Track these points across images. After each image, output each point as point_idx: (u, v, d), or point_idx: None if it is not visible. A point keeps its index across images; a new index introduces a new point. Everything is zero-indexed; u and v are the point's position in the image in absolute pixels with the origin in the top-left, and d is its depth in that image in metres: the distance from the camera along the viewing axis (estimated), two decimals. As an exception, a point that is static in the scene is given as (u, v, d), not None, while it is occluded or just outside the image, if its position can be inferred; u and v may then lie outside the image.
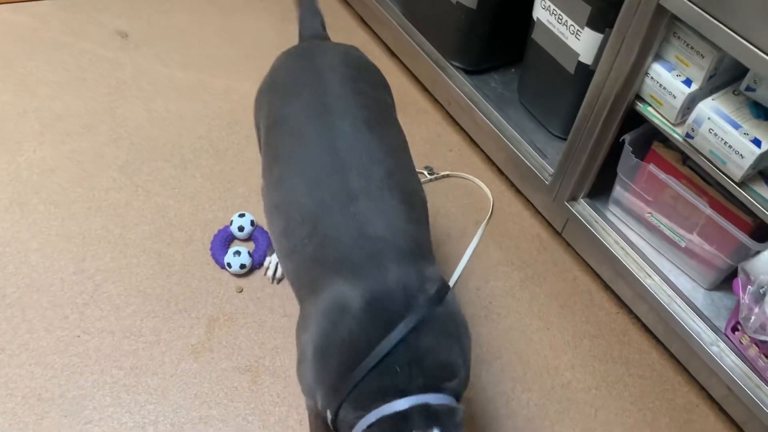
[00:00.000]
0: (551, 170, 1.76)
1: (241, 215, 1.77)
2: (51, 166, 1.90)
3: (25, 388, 1.48)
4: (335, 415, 0.97)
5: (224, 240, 1.76)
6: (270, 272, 1.71)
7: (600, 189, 1.72)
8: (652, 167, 1.53)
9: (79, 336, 1.57)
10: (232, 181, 1.92)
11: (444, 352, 0.95)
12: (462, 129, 2.12)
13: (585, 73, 1.64)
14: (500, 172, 2.03)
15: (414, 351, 0.92)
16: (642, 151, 1.57)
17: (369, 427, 0.91)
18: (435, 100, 2.20)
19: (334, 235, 1.01)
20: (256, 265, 1.73)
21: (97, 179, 1.89)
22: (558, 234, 1.87)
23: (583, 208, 1.71)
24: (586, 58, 1.64)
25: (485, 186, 1.99)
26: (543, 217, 1.91)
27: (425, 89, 2.22)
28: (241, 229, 1.75)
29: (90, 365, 1.53)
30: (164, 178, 1.91)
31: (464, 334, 1.02)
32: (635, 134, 1.56)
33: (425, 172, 2.00)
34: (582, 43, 1.62)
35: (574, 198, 1.72)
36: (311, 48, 1.30)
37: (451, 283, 1.74)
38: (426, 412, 0.90)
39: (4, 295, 1.62)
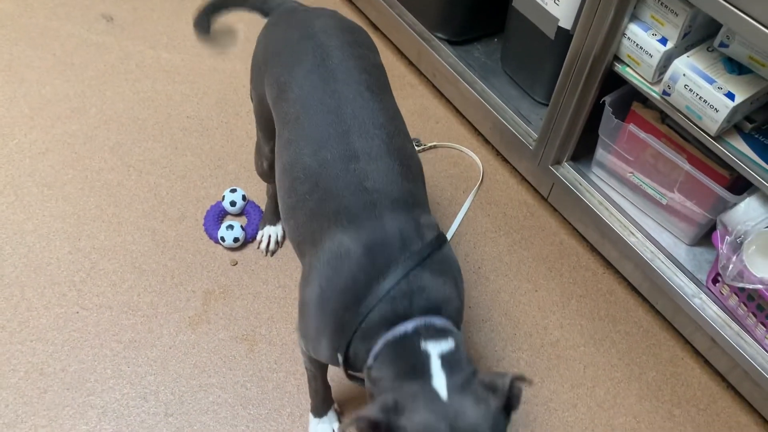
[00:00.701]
0: (535, 136, 1.79)
1: (233, 190, 1.80)
2: (42, 149, 1.92)
3: (27, 364, 1.51)
4: (346, 355, 1.01)
5: (217, 215, 1.79)
6: (263, 245, 1.74)
7: (583, 152, 1.75)
8: (632, 127, 1.57)
9: (77, 312, 1.61)
10: (223, 158, 1.95)
11: (441, 286, 1.00)
12: (448, 101, 2.15)
13: (565, 38, 1.67)
14: (486, 141, 2.06)
15: (414, 284, 0.97)
16: (622, 112, 1.60)
17: (379, 353, 0.95)
18: (420, 74, 2.23)
19: (334, 190, 1.06)
20: (249, 238, 1.76)
21: (89, 161, 1.91)
22: (544, 200, 1.91)
23: (567, 172, 1.75)
24: (566, 23, 1.67)
25: (474, 154, 2.02)
26: (529, 183, 1.95)
27: (411, 63, 2.25)
28: (233, 204, 1.78)
29: (90, 340, 1.56)
30: (155, 157, 1.94)
31: (458, 276, 1.06)
32: (615, 96, 1.59)
33: (413, 144, 2.02)
34: (561, 8, 1.65)
35: (558, 162, 1.75)
36: (298, 15, 1.31)
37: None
38: (432, 328, 0.95)
39: (2, 276, 1.65)
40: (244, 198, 1.80)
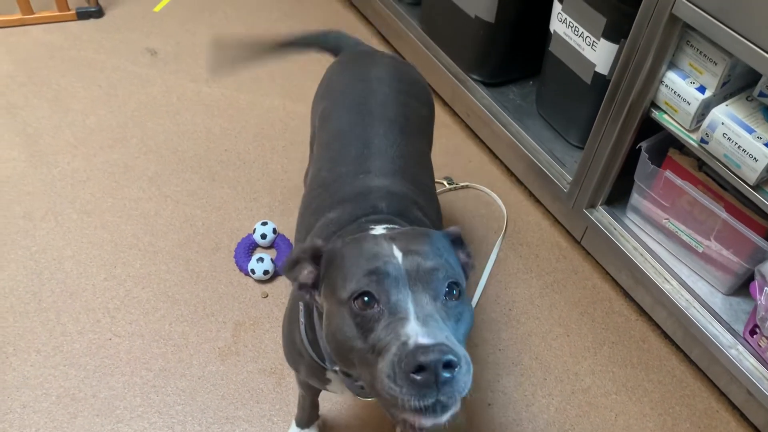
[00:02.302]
0: (569, 178, 1.79)
1: (264, 223, 1.82)
2: (84, 177, 1.97)
3: (60, 388, 1.53)
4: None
5: (248, 247, 1.81)
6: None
7: (618, 196, 1.74)
8: (668, 173, 1.56)
9: (110, 339, 1.63)
10: (258, 191, 1.98)
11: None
12: (481, 140, 2.17)
13: (601, 83, 1.68)
14: (519, 181, 2.07)
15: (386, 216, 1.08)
16: (658, 158, 1.60)
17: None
18: (454, 113, 2.25)
19: (338, 190, 1.15)
20: (279, 271, 1.78)
21: (128, 190, 1.96)
22: (577, 242, 1.90)
23: (601, 216, 1.74)
24: (603, 68, 1.68)
25: (499, 199, 2.02)
26: (562, 225, 1.94)
27: (444, 102, 2.27)
28: (263, 236, 1.81)
29: (121, 367, 1.58)
30: (192, 188, 1.97)
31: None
32: (651, 141, 1.59)
33: (445, 182, 2.04)
34: (598, 53, 1.66)
35: (592, 205, 1.75)
36: (364, 58, 1.46)
37: (477, 293, 1.78)
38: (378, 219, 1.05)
39: (40, 300, 1.68)
40: (274, 231, 1.83)
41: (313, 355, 1.05)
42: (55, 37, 2.42)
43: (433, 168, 1.37)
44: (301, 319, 1.06)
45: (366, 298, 0.78)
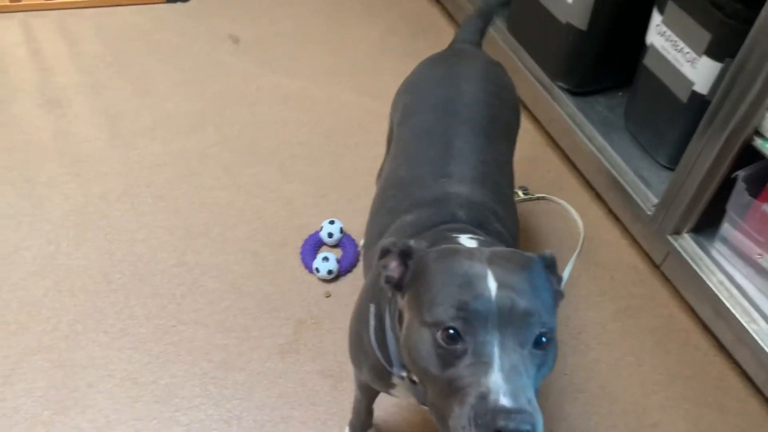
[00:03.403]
0: (655, 200, 1.69)
1: (331, 222, 1.80)
2: (160, 162, 2.01)
3: (123, 371, 1.56)
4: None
5: (314, 245, 1.79)
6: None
7: (706, 224, 1.64)
8: (766, 207, 1.45)
9: (174, 326, 1.65)
10: (327, 188, 1.97)
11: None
12: (562, 151, 2.08)
13: (699, 102, 1.57)
14: (599, 197, 1.97)
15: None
16: (756, 188, 1.48)
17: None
18: (536, 120, 2.17)
19: (416, 192, 1.11)
20: (343, 272, 1.76)
21: (202, 177, 1.97)
22: (656, 267, 1.80)
23: (686, 243, 1.64)
24: (702, 87, 1.57)
25: (576, 214, 1.93)
26: (641, 248, 1.84)
27: (526, 108, 2.19)
28: (330, 235, 1.79)
29: (183, 355, 1.60)
30: (264, 181, 1.98)
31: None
32: (750, 170, 1.47)
33: (520, 192, 1.97)
34: (698, 71, 1.56)
35: (677, 232, 1.65)
36: (456, 56, 1.40)
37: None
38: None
39: (110, 281, 1.72)
40: (341, 230, 1.80)
41: (380, 358, 1.01)
42: (142, 19, 2.47)
43: (513, 178, 1.32)
44: (371, 321, 1.02)
45: (451, 332, 0.74)
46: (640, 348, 1.68)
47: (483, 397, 0.69)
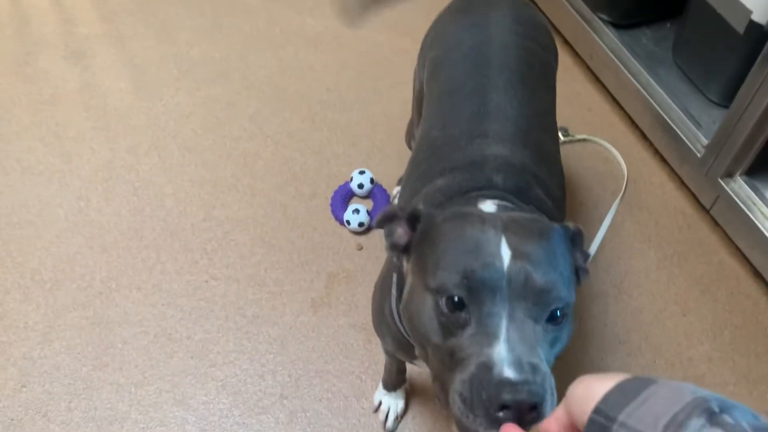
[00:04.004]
0: (705, 141, 1.58)
1: (362, 172, 1.74)
2: (186, 113, 1.96)
3: (157, 327, 1.57)
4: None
5: (344, 196, 1.75)
6: (396, 201, 1.71)
7: (761, 167, 1.52)
8: (830, 147, 1.33)
9: (206, 281, 1.64)
10: (357, 135, 1.90)
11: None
12: (604, 87, 1.96)
13: (757, 34, 1.44)
14: (644, 137, 1.86)
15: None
16: (819, 126, 1.36)
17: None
18: (576, 54, 2.04)
19: (449, 154, 1.03)
20: (372, 224, 1.71)
21: (229, 128, 1.93)
22: (705, 211, 1.70)
23: (738, 187, 1.53)
24: (760, 16, 1.43)
25: (620, 156, 1.83)
26: (690, 191, 1.74)
27: (566, 42, 2.06)
28: (360, 186, 1.73)
29: (216, 311, 1.59)
30: (292, 129, 1.92)
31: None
32: (813, 107, 1.35)
33: (560, 134, 1.87)
34: (757, -2, 1.42)
35: (729, 174, 1.54)
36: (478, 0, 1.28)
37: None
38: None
39: (142, 237, 1.71)
40: (372, 181, 1.75)
41: (402, 330, 0.98)
42: (163, -38, 2.38)
43: (557, 130, 1.22)
44: (393, 291, 0.98)
45: (456, 299, 0.69)
46: (685, 297, 1.60)
47: (487, 368, 0.63)
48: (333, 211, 1.73)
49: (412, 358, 1.04)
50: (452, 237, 0.74)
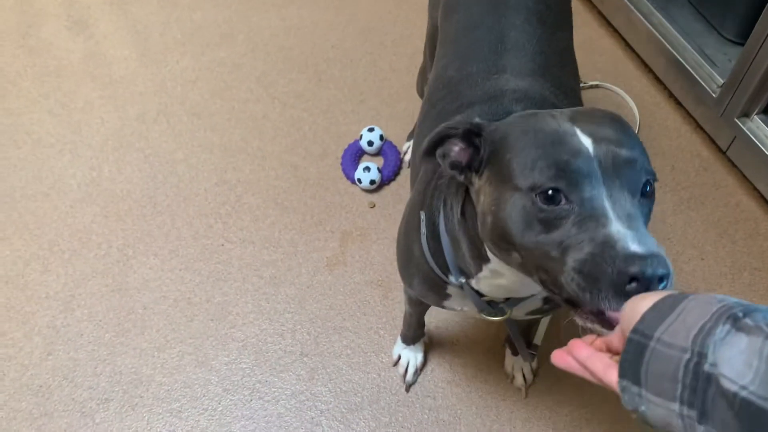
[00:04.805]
0: (721, 81, 1.54)
1: (371, 129, 1.73)
2: (192, 78, 1.95)
3: (176, 292, 1.58)
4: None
5: (354, 154, 1.73)
6: (407, 157, 1.71)
7: (779, 104, 1.49)
8: None
9: (222, 245, 1.65)
10: (365, 92, 1.88)
11: None
12: (616, 31, 1.91)
13: (774, -36, 1.38)
14: (657, 80, 1.82)
15: None
16: (839, 59, 1.32)
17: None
18: (586, -1, 1.99)
19: (466, 92, 1.02)
20: (386, 180, 1.70)
21: (236, 91, 1.91)
22: (722, 153, 1.67)
23: (756, 126, 1.50)
24: (777, -55, 1.38)
25: (632, 102, 1.79)
26: (705, 133, 1.71)
27: (574, -14, 2.01)
28: (370, 143, 1.72)
29: (233, 273, 1.60)
30: (299, 90, 1.90)
31: None
32: (833, 39, 1.31)
33: (580, 85, 1.83)
34: (773, -73, 1.36)
35: (746, 114, 1.51)
36: None
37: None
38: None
39: (155, 204, 1.72)
40: (381, 138, 1.73)
41: (434, 268, 0.97)
42: (160, -76, 2.34)
43: (577, 66, 1.19)
44: (423, 230, 0.98)
45: (551, 193, 0.68)
46: (703, 240, 1.59)
47: (609, 245, 0.63)
48: (344, 170, 1.72)
49: (443, 299, 1.04)
50: (531, 136, 0.73)
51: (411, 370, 1.43)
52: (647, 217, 0.71)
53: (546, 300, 0.97)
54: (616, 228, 0.64)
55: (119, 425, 1.42)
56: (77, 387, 1.46)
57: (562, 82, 1.06)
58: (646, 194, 0.70)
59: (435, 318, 1.51)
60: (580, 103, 1.12)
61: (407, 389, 1.44)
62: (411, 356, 1.44)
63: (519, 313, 1.00)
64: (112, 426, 1.42)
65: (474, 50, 1.07)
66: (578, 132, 0.70)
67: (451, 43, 1.14)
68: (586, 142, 0.69)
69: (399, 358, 1.45)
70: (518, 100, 0.97)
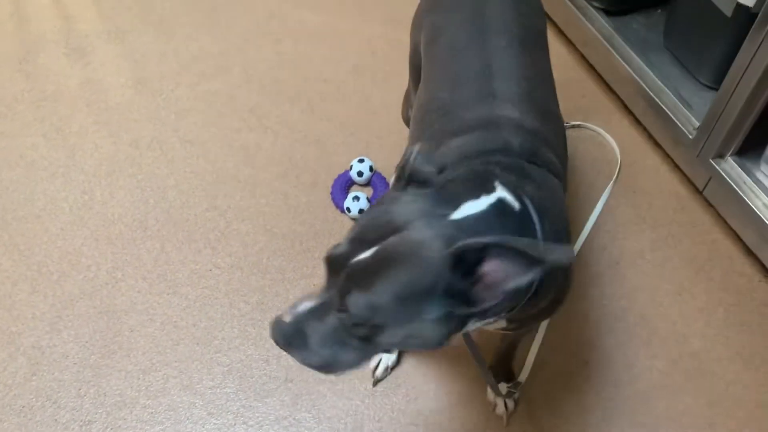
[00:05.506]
0: (696, 123, 1.61)
1: (361, 160, 1.77)
2: (187, 106, 1.99)
3: (163, 315, 1.60)
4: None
5: (344, 184, 1.78)
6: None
7: (751, 147, 1.56)
8: (818, 125, 1.36)
9: (210, 270, 1.67)
10: (356, 125, 1.93)
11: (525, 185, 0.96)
12: (597, 74, 1.99)
13: (745, 16, 1.46)
14: (637, 121, 1.89)
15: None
16: (807, 105, 1.40)
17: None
18: (569, 42, 2.07)
19: (461, 114, 1.08)
20: (375, 210, 1.74)
21: (229, 120, 1.96)
22: (698, 192, 1.73)
23: (730, 167, 1.56)
24: (748, -1, 1.46)
25: (613, 141, 1.86)
26: (683, 173, 1.77)
27: (558, 29, 2.09)
28: (360, 174, 1.76)
29: (220, 298, 1.62)
30: (292, 121, 1.95)
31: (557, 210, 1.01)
32: (800, 87, 1.38)
33: (558, 106, 1.89)
34: (744, -19, 1.45)
35: (720, 155, 1.57)
36: None
37: (579, 242, 1.67)
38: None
39: (146, 228, 1.74)
40: (371, 169, 1.78)
41: None
42: (160, -42, 2.41)
43: (555, 89, 1.25)
44: None
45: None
46: (680, 276, 1.64)
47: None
48: (333, 199, 1.76)
49: None
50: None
51: (381, 367, 1.48)
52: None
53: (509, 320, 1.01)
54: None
55: (101, 447, 1.42)
56: (60, 408, 1.46)
57: (546, 108, 1.13)
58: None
59: (416, 353, 1.53)
60: (561, 125, 1.19)
61: (374, 384, 1.48)
62: (385, 354, 1.47)
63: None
64: (94, 448, 1.42)
65: (463, 74, 1.14)
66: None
67: (440, 67, 1.20)
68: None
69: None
70: (516, 132, 1.03)
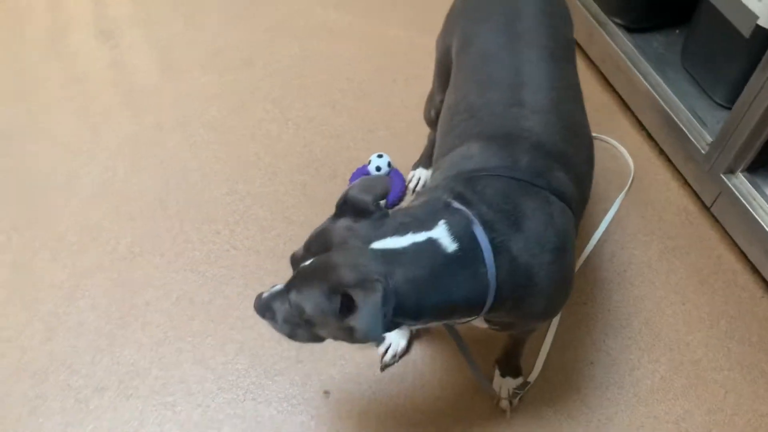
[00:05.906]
0: (710, 139, 1.66)
1: (380, 156, 1.82)
2: (211, 94, 2.04)
3: (179, 291, 1.63)
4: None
5: (363, 178, 1.82)
6: (411, 185, 1.80)
7: (761, 164, 1.60)
8: (828, 144, 1.41)
9: (228, 251, 1.70)
10: (376, 123, 1.98)
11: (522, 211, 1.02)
12: (613, 89, 2.04)
13: (762, 38, 1.52)
14: (650, 137, 1.94)
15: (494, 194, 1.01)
16: (818, 126, 1.45)
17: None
18: (588, 58, 2.13)
19: (487, 119, 1.12)
20: (390, 205, 1.78)
21: (252, 110, 2.00)
22: (706, 209, 1.78)
23: (740, 183, 1.61)
24: (767, 21, 1.52)
25: (627, 154, 1.91)
26: (692, 188, 1.82)
27: (579, 46, 2.15)
28: (378, 169, 1.81)
29: (236, 278, 1.66)
30: (312, 114, 2.00)
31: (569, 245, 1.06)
32: (813, 107, 1.43)
33: (587, 119, 1.94)
34: (763, 4, 1.50)
35: (731, 171, 1.62)
36: None
37: (588, 249, 1.71)
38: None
39: (166, 207, 1.78)
40: (389, 165, 1.82)
41: None
42: (193, -48, 2.47)
43: (583, 97, 1.27)
44: None
45: None
46: (685, 287, 1.68)
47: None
48: (351, 191, 1.80)
49: None
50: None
51: (390, 353, 1.51)
52: None
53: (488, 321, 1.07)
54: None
55: (112, 414, 1.44)
56: (74, 373, 1.49)
57: (573, 119, 1.16)
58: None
59: (427, 342, 1.57)
60: (587, 139, 1.21)
61: (382, 369, 1.51)
62: (394, 340, 1.51)
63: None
64: (105, 414, 1.44)
65: (494, 79, 1.17)
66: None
67: (471, 72, 1.23)
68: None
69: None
70: (528, 150, 1.06)
